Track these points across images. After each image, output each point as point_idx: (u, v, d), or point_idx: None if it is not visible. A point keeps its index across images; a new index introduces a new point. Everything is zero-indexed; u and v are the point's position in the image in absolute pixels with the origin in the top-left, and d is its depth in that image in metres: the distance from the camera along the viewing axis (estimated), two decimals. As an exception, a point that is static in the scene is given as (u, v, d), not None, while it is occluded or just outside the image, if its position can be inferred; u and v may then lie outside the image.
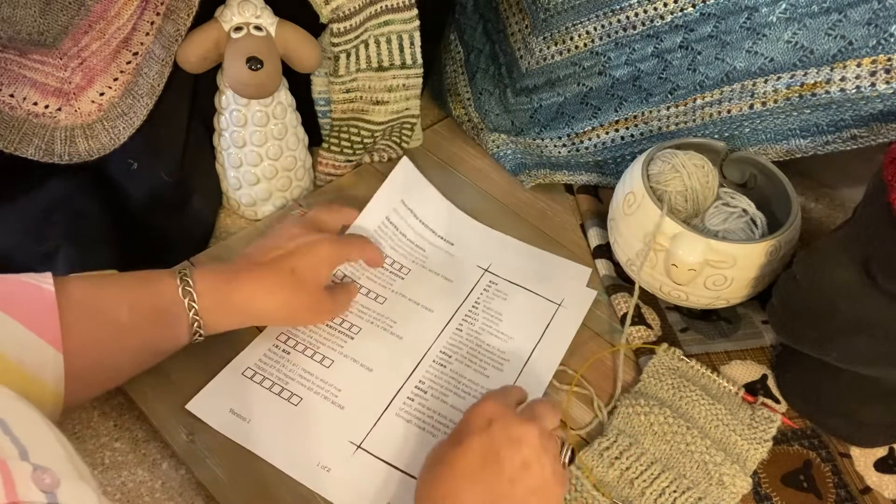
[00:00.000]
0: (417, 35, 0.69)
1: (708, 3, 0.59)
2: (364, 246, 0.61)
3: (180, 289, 0.48)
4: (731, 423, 0.54)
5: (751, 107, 0.60)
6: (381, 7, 0.65)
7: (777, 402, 0.57)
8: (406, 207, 0.69)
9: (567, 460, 0.47)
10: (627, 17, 0.64)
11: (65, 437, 0.31)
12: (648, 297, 0.63)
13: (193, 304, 0.48)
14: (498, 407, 0.46)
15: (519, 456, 0.43)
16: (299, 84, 0.67)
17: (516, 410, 0.48)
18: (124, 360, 0.48)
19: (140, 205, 0.62)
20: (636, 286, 0.59)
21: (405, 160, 0.72)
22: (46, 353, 0.41)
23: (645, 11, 0.63)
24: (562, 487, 0.44)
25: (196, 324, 0.49)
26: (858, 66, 0.53)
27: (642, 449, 0.52)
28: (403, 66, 0.70)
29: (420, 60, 0.70)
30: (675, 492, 0.50)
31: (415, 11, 0.68)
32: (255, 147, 0.64)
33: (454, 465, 0.43)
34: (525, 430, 0.44)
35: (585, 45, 0.67)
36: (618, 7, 0.64)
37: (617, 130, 0.69)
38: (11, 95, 0.54)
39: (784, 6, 0.55)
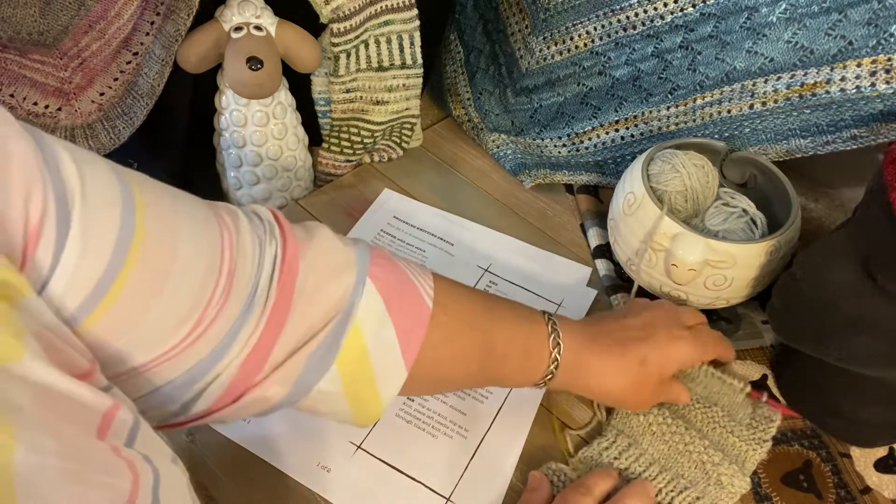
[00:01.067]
0: (417, 35, 0.69)
1: (708, 3, 0.59)
2: (721, 346, 0.55)
3: (551, 338, 0.46)
4: (729, 424, 0.54)
5: (751, 107, 0.60)
6: (381, 7, 0.65)
7: (777, 402, 0.57)
8: (400, 220, 0.69)
9: None
10: (627, 17, 0.64)
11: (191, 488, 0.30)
12: (648, 298, 0.63)
13: (558, 357, 0.46)
14: None
15: None
16: (299, 84, 0.67)
17: None
18: (465, 380, 0.48)
19: (140, 205, 0.62)
20: (635, 284, 0.59)
21: (386, 191, 0.72)
22: (396, 368, 0.40)
23: (645, 11, 0.63)
24: None
25: (549, 376, 0.47)
26: (858, 66, 0.53)
27: (641, 449, 0.52)
28: (403, 66, 0.70)
29: (420, 60, 0.71)
30: (672, 491, 0.50)
31: (415, 11, 0.68)
32: (255, 147, 0.64)
33: None
34: None
35: (585, 45, 0.67)
36: (618, 7, 0.64)
37: (617, 130, 0.69)
38: (11, 95, 0.54)
39: (784, 6, 0.55)
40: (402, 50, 0.69)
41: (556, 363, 0.46)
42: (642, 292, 0.61)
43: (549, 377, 0.47)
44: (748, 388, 0.55)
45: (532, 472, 0.50)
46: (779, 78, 0.57)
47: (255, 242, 0.35)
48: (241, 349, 0.34)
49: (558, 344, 0.46)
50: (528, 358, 0.46)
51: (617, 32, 0.65)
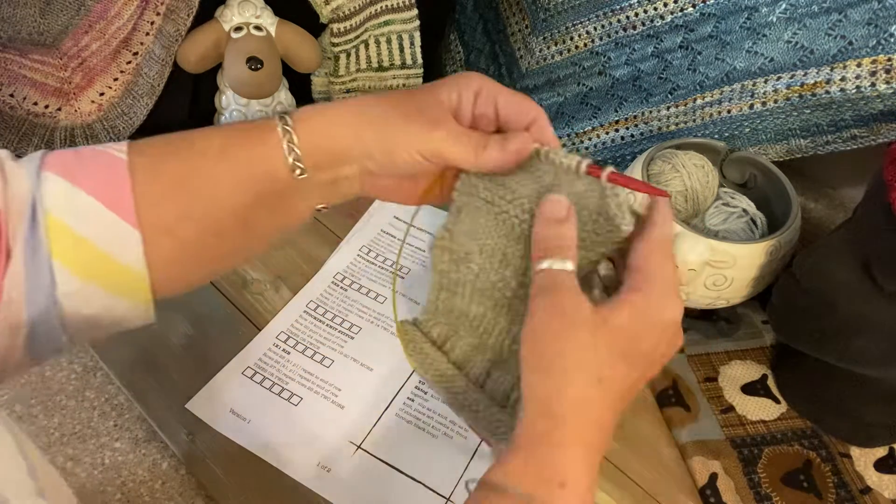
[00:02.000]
0: (417, 35, 0.69)
1: (708, 3, 0.59)
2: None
3: (279, 124, 0.39)
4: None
5: (751, 107, 0.60)
6: (381, 7, 0.65)
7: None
8: (400, 221, 0.69)
9: None
10: (627, 17, 0.64)
11: (32, 445, 0.29)
12: (648, 297, 0.63)
13: (287, 118, 0.39)
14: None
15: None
16: (299, 84, 0.67)
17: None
18: (215, 211, 0.39)
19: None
20: None
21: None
22: (121, 230, 0.36)
23: (645, 11, 0.63)
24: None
25: (289, 142, 0.39)
26: (858, 66, 0.53)
27: (466, 318, 0.44)
28: (403, 66, 0.70)
29: (420, 60, 0.71)
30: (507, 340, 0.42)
31: (415, 11, 0.68)
32: (255, 147, 0.64)
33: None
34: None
35: (585, 45, 0.67)
36: (618, 7, 0.64)
37: (617, 130, 0.69)
38: (11, 95, 0.54)
39: (784, 6, 0.55)
40: (402, 50, 0.69)
41: (283, 122, 0.39)
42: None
43: (290, 142, 0.39)
44: (584, 166, 0.38)
45: (555, 197, 0.39)
46: (779, 78, 0.57)
47: None
48: None
49: (283, 114, 0.40)
50: (255, 133, 0.39)
51: (617, 32, 0.65)
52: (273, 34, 0.60)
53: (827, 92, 0.55)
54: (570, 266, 0.37)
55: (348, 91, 0.68)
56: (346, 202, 0.45)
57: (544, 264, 0.37)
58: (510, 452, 0.33)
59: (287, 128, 0.39)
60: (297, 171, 0.39)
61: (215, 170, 0.39)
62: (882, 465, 0.54)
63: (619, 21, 0.65)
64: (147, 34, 0.55)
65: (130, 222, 0.36)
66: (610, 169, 0.37)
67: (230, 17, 0.58)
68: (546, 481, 0.32)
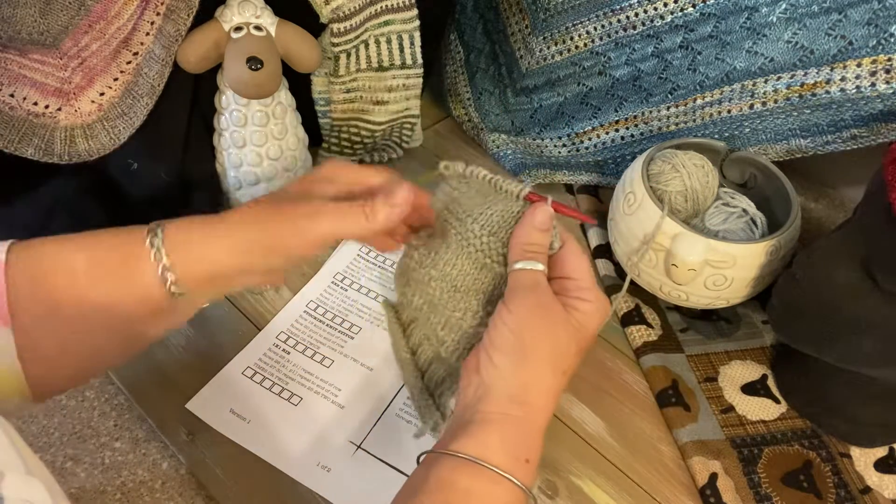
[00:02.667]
0: (417, 35, 0.69)
1: (708, 3, 0.59)
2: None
3: (147, 236, 0.41)
4: (496, 253, 0.46)
5: (751, 107, 0.60)
6: (381, 7, 0.65)
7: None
8: None
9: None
10: (627, 17, 0.64)
11: (15, 432, 0.29)
12: (648, 297, 0.63)
13: (159, 244, 0.40)
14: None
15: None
16: (299, 84, 0.67)
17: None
18: (90, 326, 0.40)
19: (140, 205, 0.62)
20: (627, 278, 0.58)
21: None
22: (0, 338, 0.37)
23: (645, 11, 0.63)
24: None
25: (164, 270, 0.40)
26: (858, 66, 0.53)
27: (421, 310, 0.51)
28: (403, 66, 0.70)
29: (420, 60, 0.70)
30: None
31: (415, 11, 0.68)
32: (256, 147, 0.64)
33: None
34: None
35: (585, 45, 0.67)
36: (618, 7, 0.64)
37: (617, 130, 0.69)
38: (11, 95, 0.54)
39: (784, 6, 0.55)
40: (402, 50, 0.69)
41: (156, 253, 0.40)
42: (643, 292, 0.61)
43: (164, 270, 0.40)
44: (527, 190, 0.45)
45: (543, 208, 0.44)
46: (779, 78, 0.57)
47: None
48: None
49: (155, 233, 0.40)
50: (124, 264, 0.40)
51: (617, 32, 0.65)
52: (273, 34, 0.60)
53: (827, 92, 0.55)
54: (540, 267, 0.42)
55: (348, 91, 0.68)
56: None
57: (520, 265, 0.43)
58: (485, 430, 0.38)
59: (160, 256, 0.40)
60: (176, 294, 0.41)
61: (86, 293, 0.40)
62: (882, 465, 0.54)
63: (619, 21, 0.65)
64: (147, 34, 0.55)
65: (5, 325, 0.36)
66: (551, 198, 0.44)
67: (230, 17, 0.58)
68: (516, 458, 0.37)
